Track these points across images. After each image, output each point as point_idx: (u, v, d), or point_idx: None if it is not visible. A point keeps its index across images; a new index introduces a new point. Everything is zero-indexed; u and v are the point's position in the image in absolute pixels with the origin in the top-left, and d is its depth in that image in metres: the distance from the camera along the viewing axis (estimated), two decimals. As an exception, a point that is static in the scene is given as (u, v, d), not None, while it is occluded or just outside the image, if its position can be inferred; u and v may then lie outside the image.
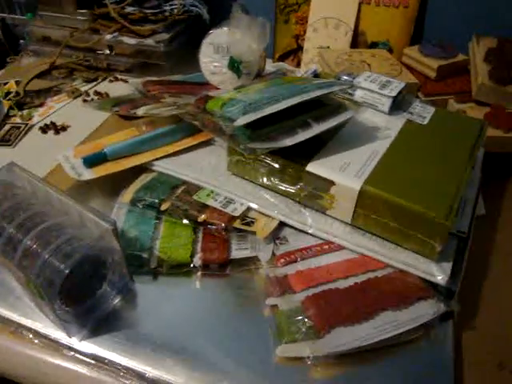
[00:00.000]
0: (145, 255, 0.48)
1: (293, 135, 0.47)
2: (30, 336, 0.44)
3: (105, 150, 0.57)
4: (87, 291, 0.43)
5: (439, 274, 0.44)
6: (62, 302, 0.40)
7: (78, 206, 0.43)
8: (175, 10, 0.83)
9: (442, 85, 0.75)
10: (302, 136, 0.47)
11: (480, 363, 0.43)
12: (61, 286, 0.39)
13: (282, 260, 0.47)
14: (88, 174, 0.55)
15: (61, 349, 0.43)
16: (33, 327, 0.44)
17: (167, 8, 0.84)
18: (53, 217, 0.44)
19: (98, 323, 0.43)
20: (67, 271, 0.39)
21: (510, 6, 0.80)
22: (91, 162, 0.56)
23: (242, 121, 0.45)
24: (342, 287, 0.44)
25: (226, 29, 0.64)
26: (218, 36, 0.65)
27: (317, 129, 0.48)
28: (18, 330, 0.44)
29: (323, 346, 0.40)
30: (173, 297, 0.46)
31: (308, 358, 0.40)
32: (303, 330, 0.41)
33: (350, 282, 0.45)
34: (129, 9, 0.83)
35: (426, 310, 0.43)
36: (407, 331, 0.41)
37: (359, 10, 0.84)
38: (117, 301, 0.45)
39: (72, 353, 0.42)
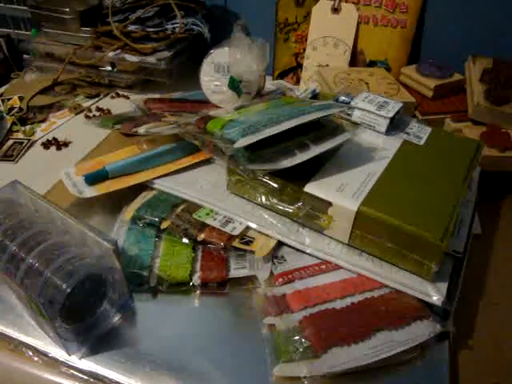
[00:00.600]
0: (145, 273, 0.48)
1: (291, 157, 0.48)
2: (30, 353, 0.44)
3: (106, 167, 0.58)
4: (88, 309, 0.44)
5: (435, 295, 0.45)
6: (62, 320, 0.41)
7: (79, 225, 0.44)
8: (177, 29, 0.85)
9: (439, 104, 0.77)
10: (300, 158, 0.48)
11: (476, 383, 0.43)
12: (62, 305, 0.39)
13: (280, 279, 0.48)
14: (89, 192, 0.56)
15: (60, 366, 0.43)
16: (33, 344, 0.44)
17: (169, 26, 0.85)
18: (55, 235, 0.45)
19: (98, 341, 0.44)
20: (69, 290, 0.39)
21: (507, 27, 0.81)
22: (92, 179, 0.57)
23: (241, 143, 0.46)
24: (339, 307, 0.45)
25: (226, 48, 0.65)
26: (219, 55, 0.66)
27: (315, 150, 0.49)
28: (18, 347, 0.44)
29: (320, 366, 0.40)
30: (172, 315, 0.47)
31: (305, 377, 0.40)
32: (300, 349, 0.41)
33: (347, 301, 0.45)
34: (131, 27, 0.84)
35: (421, 331, 0.43)
36: (403, 351, 0.42)
37: (358, 30, 0.86)
38: (116, 319, 0.46)
39: (71, 371, 0.43)
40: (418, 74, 0.80)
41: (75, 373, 0.43)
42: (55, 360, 0.43)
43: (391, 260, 0.47)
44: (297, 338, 0.42)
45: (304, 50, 0.89)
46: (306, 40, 0.88)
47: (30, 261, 0.42)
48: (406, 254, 0.45)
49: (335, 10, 0.85)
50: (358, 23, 0.85)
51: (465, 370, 0.44)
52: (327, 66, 0.87)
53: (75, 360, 0.43)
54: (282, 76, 0.93)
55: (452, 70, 0.80)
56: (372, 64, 0.88)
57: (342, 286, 0.47)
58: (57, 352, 0.43)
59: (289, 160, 0.48)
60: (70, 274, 0.40)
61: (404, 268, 0.47)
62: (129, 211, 0.54)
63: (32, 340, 0.44)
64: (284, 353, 0.41)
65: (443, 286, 0.46)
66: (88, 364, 0.42)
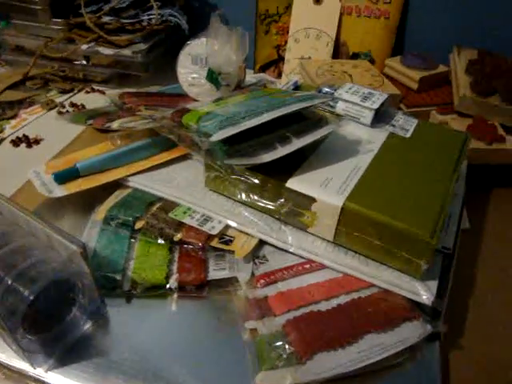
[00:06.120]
0: (118, 277, 0.45)
1: (272, 150, 0.46)
2: (-8, 367, 0.41)
3: (77, 165, 0.54)
4: (55, 317, 0.41)
5: (424, 294, 0.43)
6: (25, 330, 0.38)
7: (45, 227, 0.41)
8: (153, 20, 0.81)
9: (425, 96, 0.75)
10: (282, 151, 0.46)
11: (468, 384, 0.42)
12: (24, 314, 0.36)
13: (262, 281, 0.45)
14: (59, 191, 0.53)
15: (26, 380, 0.40)
16: (-5, 357, 0.41)
17: (145, 18, 0.82)
18: (19, 238, 0.42)
19: (67, 351, 0.41)
20: (31, 298, 0.36)
21: (491, 18, 0.80)
22: (63, 178, 0.54)
23: (218, 136, 0.43)
24: (325, 309, 0.42)
25: (204, 39, 0.63)
26: (196, 47, 0.63)
27: (297, 143, 0.47)
28: (-22, 360, 0.41)
29: (305, 373, 0.38)
30: (147, 321, 0.44)
31: (289, 386, 0.38)
32: (284, 356, 0.39)
33: (333, 303, 0.43)
34: (105, 18, 0.81)
35: (411, 332, 0.41)
36: (393, 354, 0.40)
37: (340, 21, 0.84)
38: (87, 326, 0.43)
39: (38, 384, 0.40)
40: (403, 66, 0.78)
41: (42, 387, 0.40)
42: (20, 373, 0.40)
43: (378, 258, 0.45)
44: (280, 343, 0.40)
45: (285, 42, 0.87)
46: (288, 32, 0.86)
47: (-10, 267, 0.39)
48: (394, 252, 0.43)
49: (317, 1, 0.83)
50: (341, 14, 0.84)
51: (457, 370, 0.42)
52: (309, 58, 0.85)
53: (42, 373, 0.40)
54: (263, 69, 0.90)
55: (437, 61, 0.78)
56: (355, 56, 0.86)
57: (327, 287, 0.44)
58: (21, 365, 0.40)
59: (269, 154, 0.45)
60: (34, 280, 0.37)
61: (392, 266, 0.45)
62: (101, 211, 0.51)
63: (-7, 352, 0.41)
64: (267, 360, 0.39)
65: (433, 285, 0.44)
66: (56, 377, 0.39)
